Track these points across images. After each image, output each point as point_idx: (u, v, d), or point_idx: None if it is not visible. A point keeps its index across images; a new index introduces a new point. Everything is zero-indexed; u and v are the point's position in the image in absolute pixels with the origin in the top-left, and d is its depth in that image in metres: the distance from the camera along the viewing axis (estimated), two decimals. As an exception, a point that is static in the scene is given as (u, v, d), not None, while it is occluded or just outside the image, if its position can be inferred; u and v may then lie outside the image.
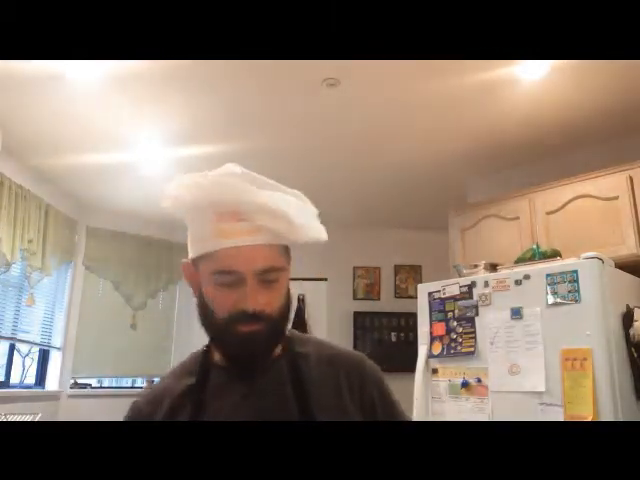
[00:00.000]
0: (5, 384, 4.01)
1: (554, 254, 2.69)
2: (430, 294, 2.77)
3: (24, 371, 5.17)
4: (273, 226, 0.84)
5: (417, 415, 2.60)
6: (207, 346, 0.97)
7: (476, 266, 2.87)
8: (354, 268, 5.30)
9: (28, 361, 5.24)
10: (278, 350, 0.93)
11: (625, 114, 3.07)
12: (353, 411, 0.87)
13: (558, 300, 2.29)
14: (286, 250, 0.91)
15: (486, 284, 2.55)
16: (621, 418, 2.08)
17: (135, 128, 3.37)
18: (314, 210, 0.94)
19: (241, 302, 0.84)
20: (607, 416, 2.07)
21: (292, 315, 0.96)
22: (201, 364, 0.95)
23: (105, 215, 4.93)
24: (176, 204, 0.91)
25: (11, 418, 3.71)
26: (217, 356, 0.94)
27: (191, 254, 0.90)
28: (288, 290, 0.92)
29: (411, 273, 5.29)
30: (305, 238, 0.87)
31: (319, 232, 0.91)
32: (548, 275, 2.35)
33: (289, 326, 0.95)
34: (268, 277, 0.85)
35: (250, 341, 0.85)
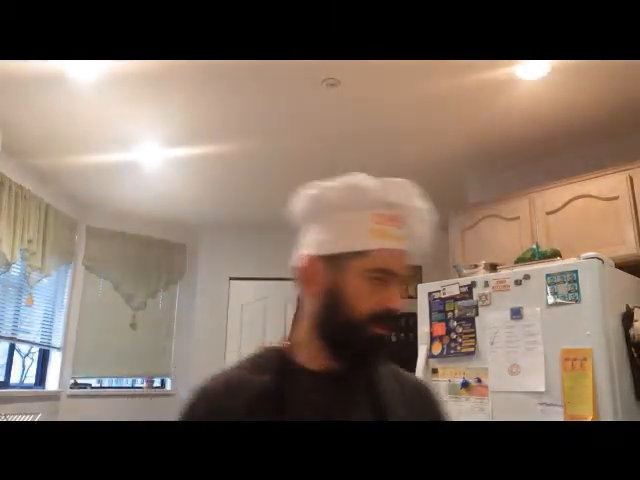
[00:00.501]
0: (5, 384, 4.01)
1: (554, 254, 2.69)
2: (430, 294, 2.77)
3: (24, 371, 5.17)
4: (417, 232, 0.91)
5: (417, 415, 2.59)
6: (281, 346, 0.93)
7: (476, 266, 2.87)
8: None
9: (28, 361, 5.24)
10: None
11: (625, 114, 3.07)
12: None
13: (558, 300, 2.29)
14: None
15: (486, 284, 2.55)
16: (621, 418, 2.08)
17: (135, 128, 3.37)
18: None
19: (389, 300, 0.86)
20: (607, 416, 2.07)
21: None
22: (280, 364, 0.90)
23: (105, 215, 4.93)
24: (318, 204, 0.94)
25: (11, 418, 3.71)
26: (302, 358, 0.89)
27: (329, 250, 0.89)
28: None
29: (411, 273, 5.30)
30: (419, 251, 0.93)
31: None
32: (548, 275, 2.35)
33: None
34: (402, 282, 0.90)
35: (380, 343, 0.87)
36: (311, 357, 0.89)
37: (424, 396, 0.96)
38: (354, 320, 0.85)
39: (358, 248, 0.88)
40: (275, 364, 0.89)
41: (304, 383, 0.87)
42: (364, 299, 0.86)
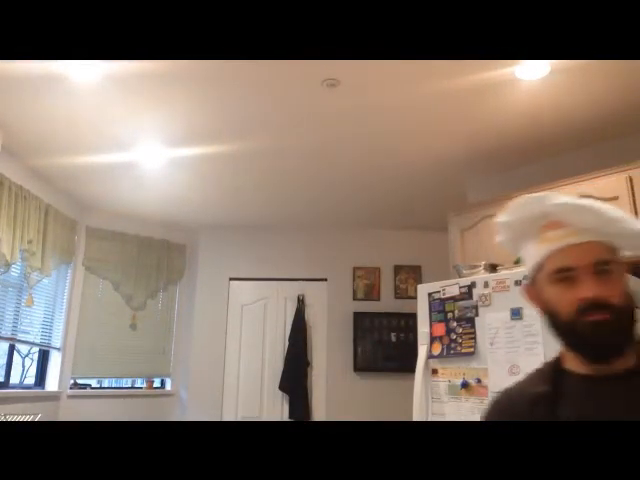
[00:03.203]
0: (5, 384, 4.01)
1: (554, 254, 2.68)
2: (430, 295, 2.77)
3: (24, 371, 5.18)
4: (582, 221, 0.95)
5: (417, 415, 2.60)
6: (558, 356, 1.03)
7: (476, 266, 2.87)
8: (354, 268, 5.30)
9: (28, 361, 5.24)
10: (632, 362, 0.94)
11: (625, 114, 3.07)
12: None
13: (558, 300, 2.30)
14: (616, 250, 0.98)
15: (486, 284, 2.55)
16: (621, 418, 2.08)
17: (135, 128, 3.37)
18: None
19: (581, 292, 0.92)
20: (607, 416, 2.07)
21: (637, 318, 0.98)
22: (554, 371, 1.00)
23: (105, 215, 4.94)
24: (509, 234, 1.08)
25: (11, 419, 3.70)
26: (571, 363, 0.99)
27: (529, 272, 1.03)
28: (628, 288, 0.96)
29: (411, 273, 5.29)
30: (623, 231, 0.96)
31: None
32: (548, 275, 2.35)
33: None
34: (602, 268, 0.93)
35: (599, 328, 0.90)
36: (575, 363, 0.98)
37: None
38: (565, 321, 0.94)
39: (537, 260, 1.01)
40: (551, 372, 1.00)
41: (573, 388, 0.95)
42: (561, 301, 0.95)
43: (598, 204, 0.98)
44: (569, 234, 0.97)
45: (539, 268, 1.00)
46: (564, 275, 0.95)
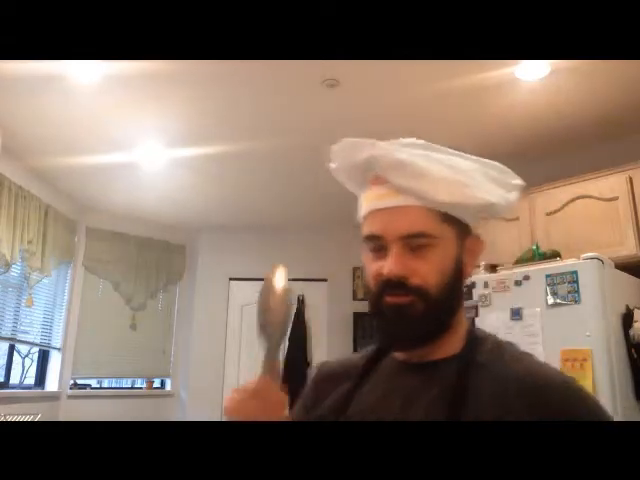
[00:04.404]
0: (5, 385, 4.01)
1: (554, 255, 2.69)
2: (430, 295, 2.77)
3: (24, 372, 5.17)
4: (410, 184, 0.77)
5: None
6: None
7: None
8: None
9: (28, 362, 5.24)
10: (451, 351, 0.81)
11: (625, 114, 3.07)
12: None
13: (558, 301, 2.29)
14: (450, 220, 0.80)
15: (486, 285, 2.55)
16: (621, 418, 2.08)
17: (135, 128, 3.37)
18: (506, 180, 0.86)
19: (384, 269, 0.78)
20: (607, 417, 2.06)
21: (462, 301, 0.85)
22: (378, 347, 0.89)
23: (105, 215, 4.94)
24: (338, 172, 0.89)
25: (11, 419, 3.70)
26: None
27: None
28: (456, 271, 0.81)
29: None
30: (453, 198, 0.77)
31: (481, 192, 0.80)
32: (548, 276, 2.35)
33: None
34: (416, 243, 0.77)
35: (398, 314, 0.78)
36: None
37: (548, 401, 0.74)
38: (371, 295, 0.82)
39: (359, 219, 0.85)
40: (373, 351, 0.90)
41: (386, 365, 0.87)
42: (369, 272, 0.82)
43: (443, 167, 0.79)
44: (386, 195, 0.80)
45: (362, 224, 0.84)
46: (373, 244, 0.80)
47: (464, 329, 0.85)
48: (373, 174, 0.82)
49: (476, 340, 0.84)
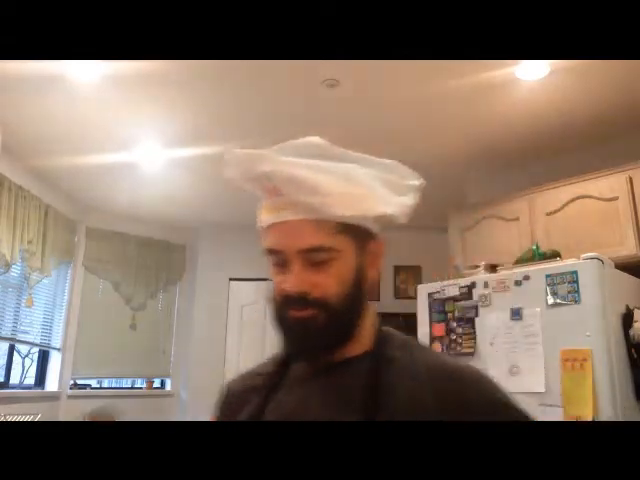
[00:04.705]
0: (5, 385, 4.01)
1: (554, 255, 2.69)
2: (430, 295, 2.77)
3: (24, 372, 5.17)
4: (305, 199, 0.77)
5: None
6: None
7: (476, 267, 2.87)
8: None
9: (28, 362, 5.24)
10: (361, 349, 0.82)
11: (624, 114, 3.07)
12: None
13: (558, 301, 2.29)
14: (348, 229, 0.79)
15: (486, 285, 2.55)
16: (621, 418, 2.08)
17: (135, 128, 3.37)
18: (402, 183, 0.85)
19: (285, 283, 0.79)
20: (607, 416, 2.07)
21: (366, 305, 0.85)
22: (287, 355, 0.89)
23: (105, 215, 4.93)
24: (234, 183, 0.87)
25: (11, 419, 3.70)
26: None
27: None
28: (358, 278, 0.81)
29: (411, 274, 5.29)
30: (349, 211, 0.77)
31: (378, 204, 0.80)
32: (548, 276, 2.35)
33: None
34: (315, 258, 0.77)
35: (302, 328, 0.78)
36: None
37: (457, 391, 0.77)
38: (274, 308, 0.82)
39: (260, 229, 0.84)
40: (281, 357, 0.90)
41: (296, 372, 0.86)
42: (274, 284, 0.82)
43: (321, 174, 0.78)
44: (284, 208, 0.79)
45: (262, 237, 0.83)
46: (275, 258, 0.80)
47: (372, 327, 0.86)
48: (271, 185, 0.80)
49: (385, 337, 0.85)
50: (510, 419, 0.79)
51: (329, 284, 0.78)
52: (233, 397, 0.92)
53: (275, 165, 0.79)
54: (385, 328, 0.88)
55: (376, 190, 0.81)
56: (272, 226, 0.80)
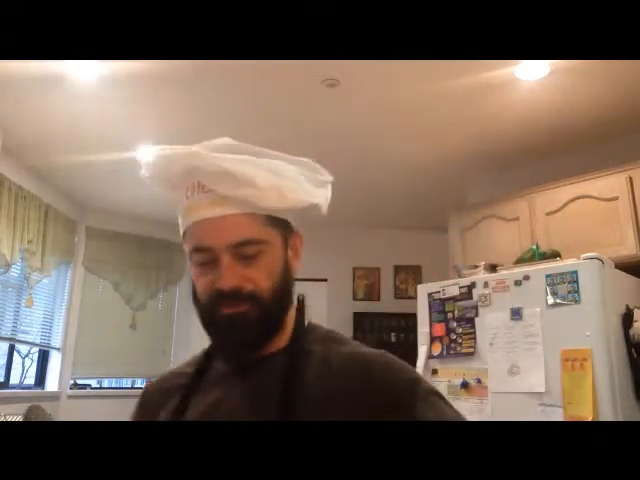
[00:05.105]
0: (5, 385, 4.01)
1: (554, 255, 2.69)
2: (430, 295, 2.77)
3: (24, 372, 5.17)
4: (237, 193, 0.77)
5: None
6: None
7: (476, 267, 2.87)
8: (354, 269, 5.30)
9: (28, 362, 5.23)
10: (282, 343, 0.83)
11: (625, 114, 3.07)
12: None
13: (558, 301, 2.29)
14: (275, 222, 0.81)
15: (486, 285, 2.55)
16: (621, 418, 2.08)
17: (135, 128, 3.37)
18: (319, 178, 0.87)
19: (216, 281, 0.77)
20: (607, 416, 2.07)
21: (292, 298, 0.86)
22: (206, 352, 0.89)
23: (105, 215, 4.93)
24: (153, 182, 0.85)
25: (11, 419, 3.70)
26: None
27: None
28: (285, 271, 0.83)
29: (411, 274, 5.29)
30: (280, 204, 0.79)
31: (306, 195, 0.82)
32: (548, 276, 2.35)
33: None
34: (246, 251, 0.77)
35: (234, 324, 0.77)
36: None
37: (370, 379, 0.78)
38: (201, 306, 0.80)
39: (182, 230, 0.83)
40: (201, 356, 0.90)
41: (217, 370, 0.86)
42: (199, 285, 0.80)
43: (268, 171, 0.79)
44: (210, 204, 0.78)
45: (185, 236, 0.82)
46: (202, 256, 0.78)
47: (293, 322, 0.87)
48: (192, 183, 0.80)
49: (305, 331, 0.86)
50: (418, 395, 0.80)
51: (260, 277, 0.78)
52: (150, 398, 0.92)
53: (205, 160, 0.78)
54: (308, 321, 0.89)
55: (303, 184, 0.83)
56: (197, 224, 0.79)
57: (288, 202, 0.80)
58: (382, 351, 0.87)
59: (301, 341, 0.84)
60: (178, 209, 0.83)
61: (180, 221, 0.84)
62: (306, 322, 0.89)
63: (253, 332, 0.79)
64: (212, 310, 0.79)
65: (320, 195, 0.85)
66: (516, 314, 2.40)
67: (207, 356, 0.89)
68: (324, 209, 0.86)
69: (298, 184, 0.82)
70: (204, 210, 0.78)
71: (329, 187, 0.89)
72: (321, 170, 0.90)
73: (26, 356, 5.24)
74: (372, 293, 5.28)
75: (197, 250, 0.79)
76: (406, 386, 0.80)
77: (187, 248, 0.81)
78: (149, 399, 0.92)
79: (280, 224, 0.83)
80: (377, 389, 0.77)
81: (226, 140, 0.84)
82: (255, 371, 0.82)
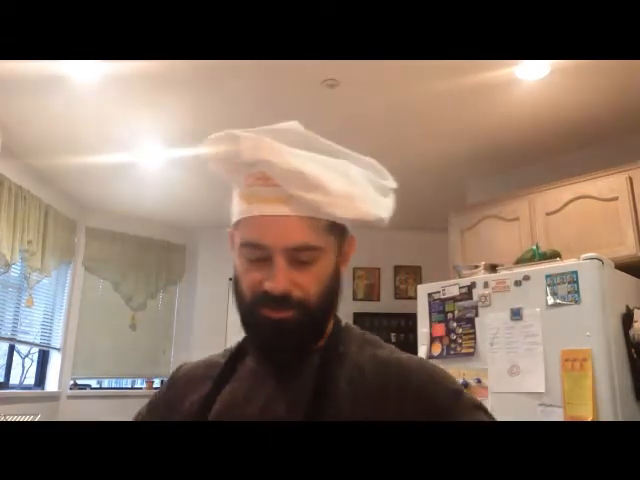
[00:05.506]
0: (4, 385, 4.01)
1: (554, 255, 2.69)
2: (430, 295, 2.77)
3: (24, 372, 5.17)
4: (306, 196, 0.72)
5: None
6: None
7: (476, 267, 2.87)
8: (354, 269, 5.29)
9: (28, 362, 5.24)
10: (319, 343, 0.81)
11: (625, 114, 3.07)
12: None
13: (558, 301, 2.29)
14: (334, 228, 0.77)
15: (486, 285, 2.55)
16: (621, 418, 2.08)
17: (135, 128, 3.37)
18: (384, 184, 0.83)
19: (266, 282, 0.74)
20: (607, 416, 2.07)
21: (337, 303, 0.82)
22: (239, 346, 0.87)
23: (105, 215, 4.94)
24: (213, 163, 0.83)
25: (11, 419, 3.70)
26: None
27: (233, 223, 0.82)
28: (334, 276, 0.79)
29: (411, 274, 5.29)
30: (349, 214, 0.75)
31: (375, 208, 0.77)
32: (548, 276, 2.35)
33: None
34: (301, 256, 0.73)
35: (279, 330, 0.74)
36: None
37: (405, 387, 0.75)
38: (245, 304, 0.78)
39: (235, 218, 0.79)
40: (235, 349, 0.88)
41: (249, 364, 0.84)
42: (245, 281, 0.78)
43: (340, 177, 0.74)
44: (275, 200, 0.74)
45: (238, 225, 0.80)
46: (255, 252, 0.75)
47: (332, 324, 0.84)
48: (256, 171, 0.76)
49: (340, 332, 0.84)
50: (460, 409, 0.75)
51: (310, 284, 0.75)
52: (180, 381, 0.91)
53: (277, 155, 0.74)
54: (345, 323, 0.87)
55: (369, 191, 0.79)
56: (256, 218, 0.75)
57: (357, 213, 0.76)
58: (421, 357, 0.84)
59: (337, 342, 0.81)
60: (233, 193, 0.80)
61: (235, 207, 0.80)
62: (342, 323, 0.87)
63: (296, 338, 0.76)
64: (256, 311, 0.76)
65: (386, 207, 0.81)
66: (516, 314, 2.40)
67: (240, 349, 0.87)
68: (387, 222, 0.81)
69: (368, 193, 0.78)
70: (267, 205, 0.74)
71: (392, 195, 0.84)
72: (386, 174, 0.86)
73: (26, 356, 5.24)
74: (372, 293, 5.27)
75: (251, 245, 0.76)
76: (447, 397, 0.75)
77: (237, 237, 0.78)
78: (179, 382, 0.92)
79: (338, 229, 0.79)
80: (414, 396, 0.74)
81: (293, 125, 0.82)
82: (290, 370, 0.79)
